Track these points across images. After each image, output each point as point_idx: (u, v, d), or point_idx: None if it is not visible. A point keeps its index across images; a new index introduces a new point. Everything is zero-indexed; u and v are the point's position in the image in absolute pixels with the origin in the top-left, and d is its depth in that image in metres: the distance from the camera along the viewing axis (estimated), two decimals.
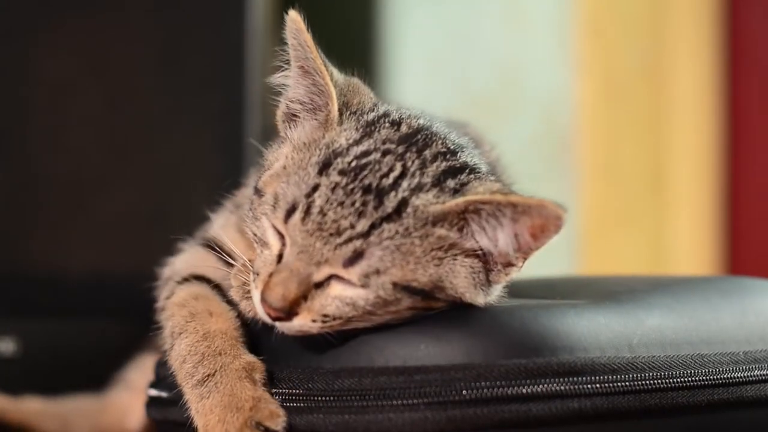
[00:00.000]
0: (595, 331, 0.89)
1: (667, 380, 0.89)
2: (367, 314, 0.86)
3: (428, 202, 0.87)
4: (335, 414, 0.87)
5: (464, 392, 0.84)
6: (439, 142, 0.92)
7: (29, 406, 1.33)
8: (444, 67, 2.25)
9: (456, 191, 0.88)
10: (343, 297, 0.86)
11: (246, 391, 0.88)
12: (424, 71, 2.26)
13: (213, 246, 1.00)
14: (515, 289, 1.01)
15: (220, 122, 1.56)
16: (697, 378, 0.90)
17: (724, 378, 0.92)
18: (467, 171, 0.90)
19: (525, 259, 0.89)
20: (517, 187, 1.05)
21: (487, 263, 0.89)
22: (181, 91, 1.60)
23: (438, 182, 0.88)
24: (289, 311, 0.86)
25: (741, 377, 0.92)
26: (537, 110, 2.20)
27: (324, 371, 0.88)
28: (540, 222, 0.85)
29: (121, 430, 1.30)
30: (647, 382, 0.88)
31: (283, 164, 0.91)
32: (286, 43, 0.93)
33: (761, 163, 2.39)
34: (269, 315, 0.87)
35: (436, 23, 2.26)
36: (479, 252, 0.88)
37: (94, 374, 1.34)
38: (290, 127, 0.95)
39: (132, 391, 1.28)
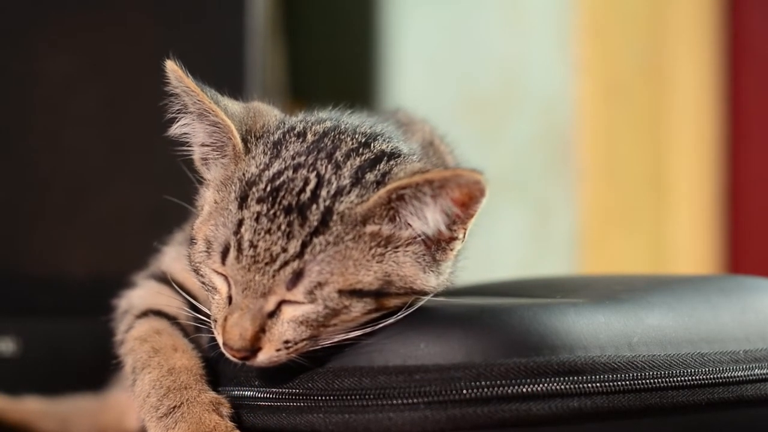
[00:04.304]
0: (595, 330, 0.89)
1: (667, 379, 0.89)
2: (322, 327, 0.86)
3: (352, 203, 0.86)
4: (335, 413, 0.86)
5: (464, 391, 0.84)
6: (348, 139, 0.91)
7: (29, 406, 1.34)
8: (444, 67, 2.25)
9: (378, 183, 0.87)
10: (296, 317, 0.86)
11: (215, 420, 0.88)
12: (424, 71, 2.26)
13: (167, 280, 1.00)
14: (515, 289, 1.01)
15: None
16: (697, 377, 0.90)
17: (724, 377, 0.91)
18: (385, 159, 0.89)
19: (465, 229, 0.88)
20: (458, 152, 1.04)
21: (429, 245, 0.88)
22: None
23: (357, 180, 0.87)
24: (252, 348, 0.86)
25: (741, 376, 0.92)
26: (537, 110, 2.20)
27: (324, 371, 0.88)
28: (463, 191, 0.85)
29: (120, 430, 1.30)
30: (647, 381, 0.88)
31: (208, 209, 0.91)
32: (173, 94, 0.93)
33: (761, 163, 2.39)
34: (235, 357, 0.87)
35: (436, 23, 2.25)
36: (417, 237, 0.88)
37: (94, 374, 1.34)
38: (208, 170, 0.95)
39: None
